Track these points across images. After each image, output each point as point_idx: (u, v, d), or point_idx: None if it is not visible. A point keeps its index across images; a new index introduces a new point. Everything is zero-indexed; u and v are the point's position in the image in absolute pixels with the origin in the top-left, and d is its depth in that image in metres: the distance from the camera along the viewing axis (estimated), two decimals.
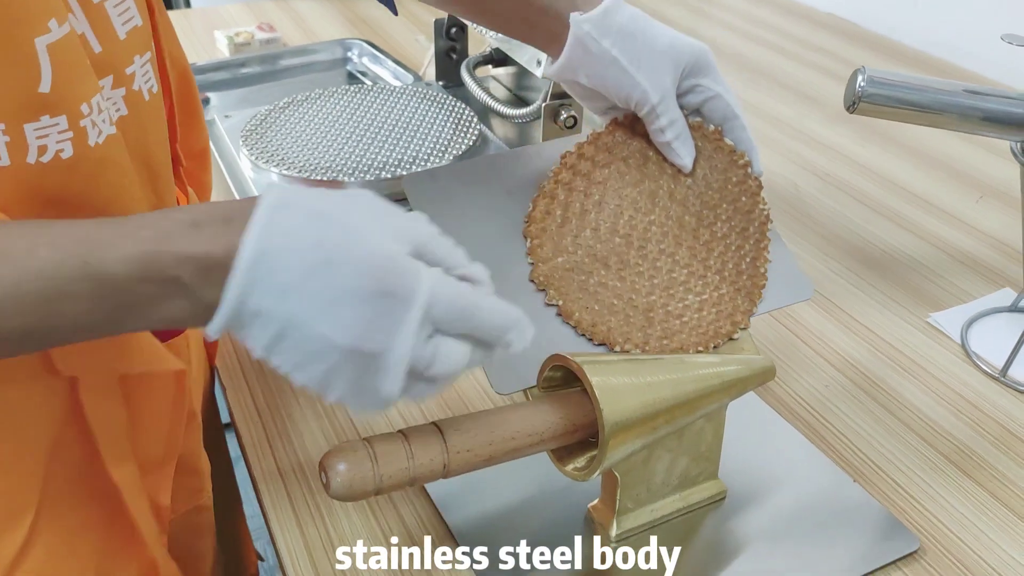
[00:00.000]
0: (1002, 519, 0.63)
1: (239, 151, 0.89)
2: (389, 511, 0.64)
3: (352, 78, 1.19)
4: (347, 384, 0.42)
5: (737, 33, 1.46)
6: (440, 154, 0.85)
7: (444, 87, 1.04)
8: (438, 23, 1.06)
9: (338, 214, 0.42)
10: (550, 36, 0.62)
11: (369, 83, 1.01)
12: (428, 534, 0.62)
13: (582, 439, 0.55)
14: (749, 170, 0.64)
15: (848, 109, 0.67)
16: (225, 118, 0.95)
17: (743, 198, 0.64)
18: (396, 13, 0.68)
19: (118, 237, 0.40)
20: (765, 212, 0.64)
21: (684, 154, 0.62)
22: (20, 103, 0.43)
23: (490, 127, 0.95)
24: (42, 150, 0.45)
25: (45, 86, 0.43)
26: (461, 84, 1.03)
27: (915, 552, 0.60)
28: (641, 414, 0.53)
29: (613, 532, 0.61)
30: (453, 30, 1.04)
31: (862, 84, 0.66)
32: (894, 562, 0.60)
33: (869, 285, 0.87)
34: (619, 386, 0.53)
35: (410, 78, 1.12)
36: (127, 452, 0.55)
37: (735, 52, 1.39)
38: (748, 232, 0.64)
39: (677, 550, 0.60)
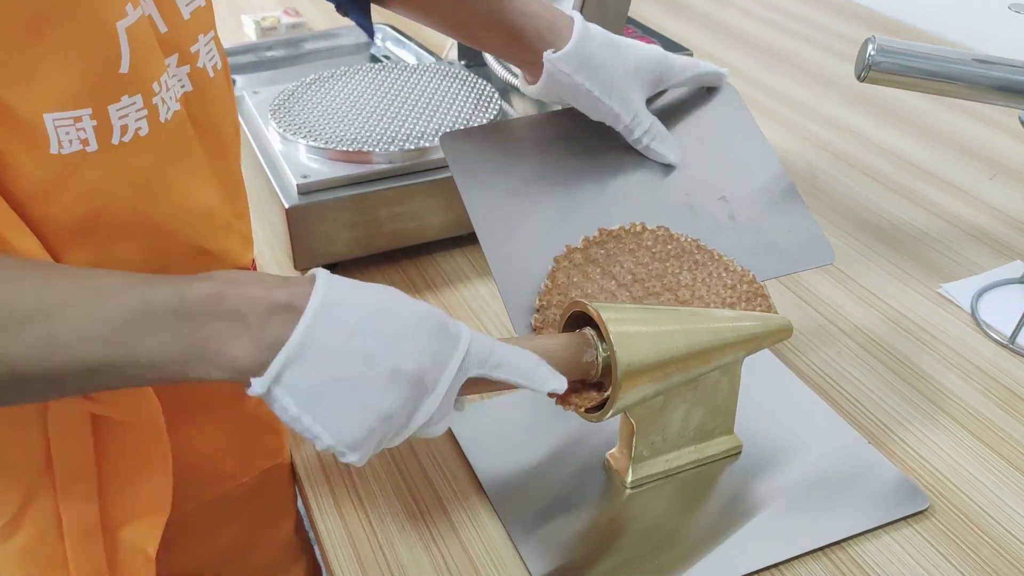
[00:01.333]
0: (1009, 478, 0.65)
1: (267, 125, 0.91)
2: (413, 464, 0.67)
3: (376, 61, 1.21)
4: (402, 415, 0.47)
5: (755, 19, 1.48)
6: (462, 126, 0.87)
7: (466, 66, 1.06)
8: None
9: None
10: (524, 61, 0.68)
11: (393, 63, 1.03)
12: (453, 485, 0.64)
13: (594, 380, 0.57)
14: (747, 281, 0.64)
15: (859, 77, 0.69)
16: (254, 94, 0.98)
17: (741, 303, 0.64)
18: (372, 37, 0.72)
19: (197, 280, 0.44)
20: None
21: (665, 152, 0.69)
22: (104, 86, 0.46)
23: (511, 104, 0.97)
24: (123, 130, 0.48)
25: (125, 67, 0.46)
26: (482, 63, 1.05)
27: (925, 510, 0.62)
28: (655, 359, 0.55)
29: (629, 479, 0.63)
30: None
31: (872, 52, 0.68)
32: (904, 519, 0.61)
33: (881, 257, 0.89)
34: (634, 332, 0.55)
35: (433, 60, 1.14)
36: (91, 493, 0.55)
37: (753, 37, 1.41)
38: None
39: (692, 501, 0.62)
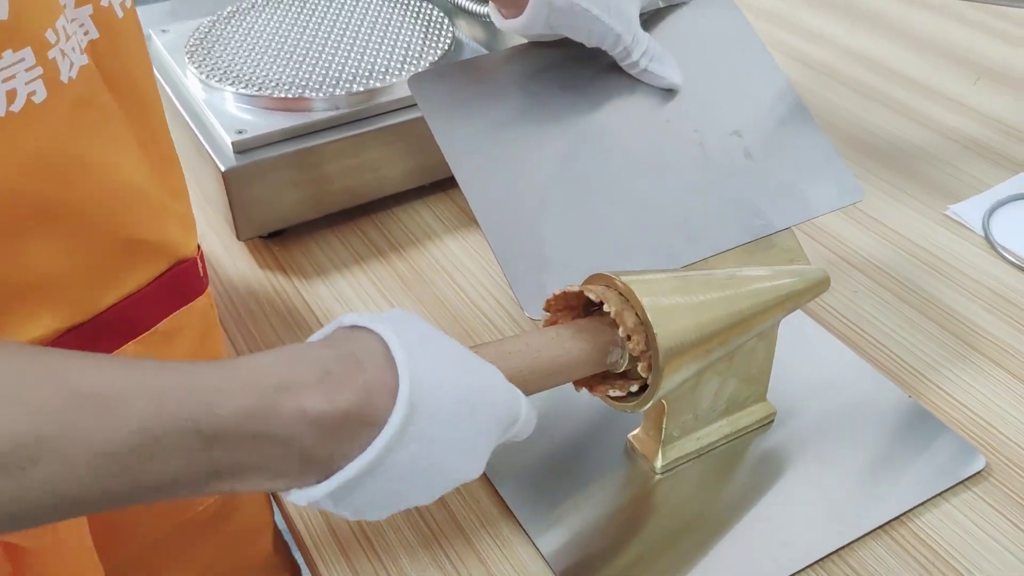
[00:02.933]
0: None
1: (184, 70, 0.78)
2: None
3: None
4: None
5: None
6: (414, 61, 0.76)
7: None
8: None
9: (464, 356, 0.40)
10: None
11: None
12: None
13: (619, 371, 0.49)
14: None
15: None
16: (162, 33, 0.84)
17: None
18: None
19: (232, 384, 0.32)
20: None
21: (666, 73, 0.60)
22: None
23: (463, 31, 0.86)
24: (11, 96, 0.36)
25: (2, 12, 0.34)
26: None
27: (982, 471, 0.56)
28: (696, 336, 0.47)
29: (659, 463, 0.56)
30: None
31: None
32: (962, 482, 0.56)
33: (880, 179, 0.82)
34: (671, 307, 0.47)
35: None
36: None
37: None
38: None
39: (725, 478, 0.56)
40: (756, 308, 0.51)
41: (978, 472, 0.56)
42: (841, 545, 0.52)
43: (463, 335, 0.66)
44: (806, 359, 0.64)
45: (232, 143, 0.69)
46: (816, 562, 0.51)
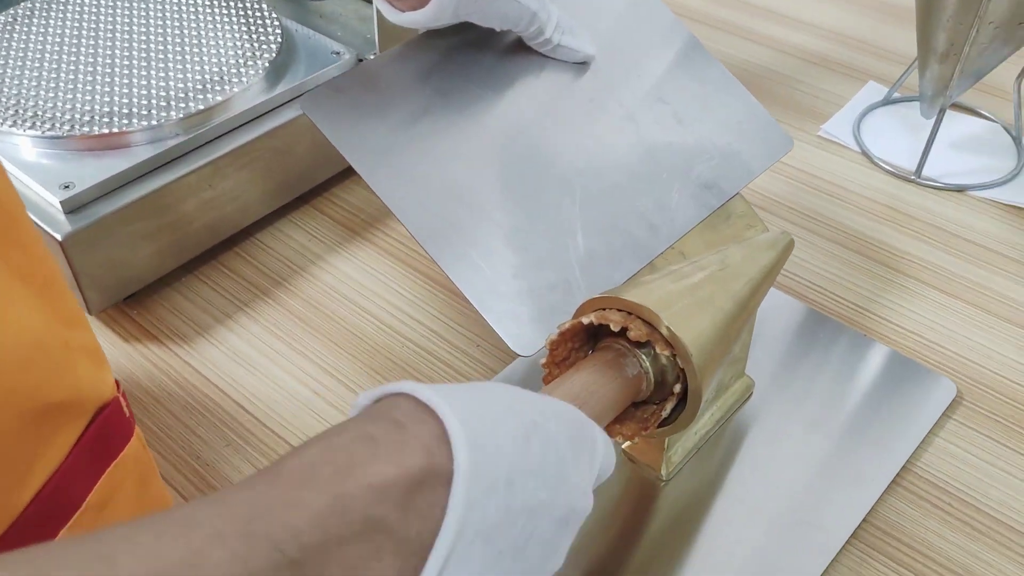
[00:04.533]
0: (997, 329, 0.61)
1: None
2: None
3: None
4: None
5: None
6: (250, 63, 0.65)
7: None
8: None
9: (507, 389, 0.33)
10: None
11: None
12: None
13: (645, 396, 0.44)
14: None
15: None
16: None
17: None
18: None
19: (291, 492, 0.26)
20: None
21: (579, 45, 0.54)
22: None
23: (293, 20, 0.75)
24: None
25: None
26: None
27: (955, 398, 0.57)
28: (717, 340, 0.43)
29: (664, 471, 0.52)
30: None
31: None
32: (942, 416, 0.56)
33: None
34: (685, 314, 0.42)
35: None
36: None
37: None
38: None
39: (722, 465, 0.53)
40: (751, 289, 0.47)
41: (952, 400, 0.56)
42: (868, 509, 0.50)
43: (407, 377, 0.58)
44: (758, 316, 0.62)
45: (61, 202, 0.56)
46: (856, 530, 0.50)
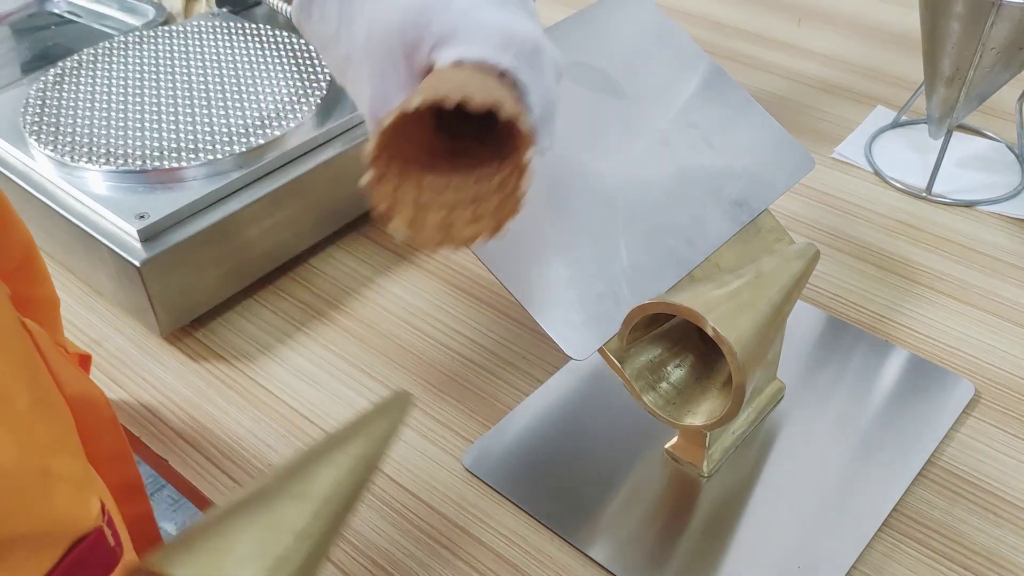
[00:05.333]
0: (1011, 334, 0.65)
1: (29, 150, 0.67)
2: None
3: (64, 21, 0.95)
4: None
5: None
6: (304, 99, 0.70)
7: (231, 13, 0.85)
8: None
9: None
10: None
11: (150, 31, 0.80)
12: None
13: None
14: None
15: None
16: None
17: None
18: None
19: None
20: None
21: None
22: None
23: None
24: None
25: None
26: (257, 3, 0.85)
27: (973, 397, 0.61)
28: (758, 339, 0.47)
29: (706, 468, 0.56)
30: None
31: None
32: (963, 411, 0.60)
33: None
34: (728, 316, 0.46)
35: (150, 12, 0.92)
36: None
37: None
38: None
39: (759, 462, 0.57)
40: (784, 296, 0.51)
41: (971, 398, 0.60)
42: (898, 499, 0.54)
43: (458, 388, 0.62)
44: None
45: (138, 231, 0.60)
46: (887, 519, 0.53)
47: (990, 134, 0.84)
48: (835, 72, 0.94)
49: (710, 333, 0.45)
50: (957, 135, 0.84)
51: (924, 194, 0.78)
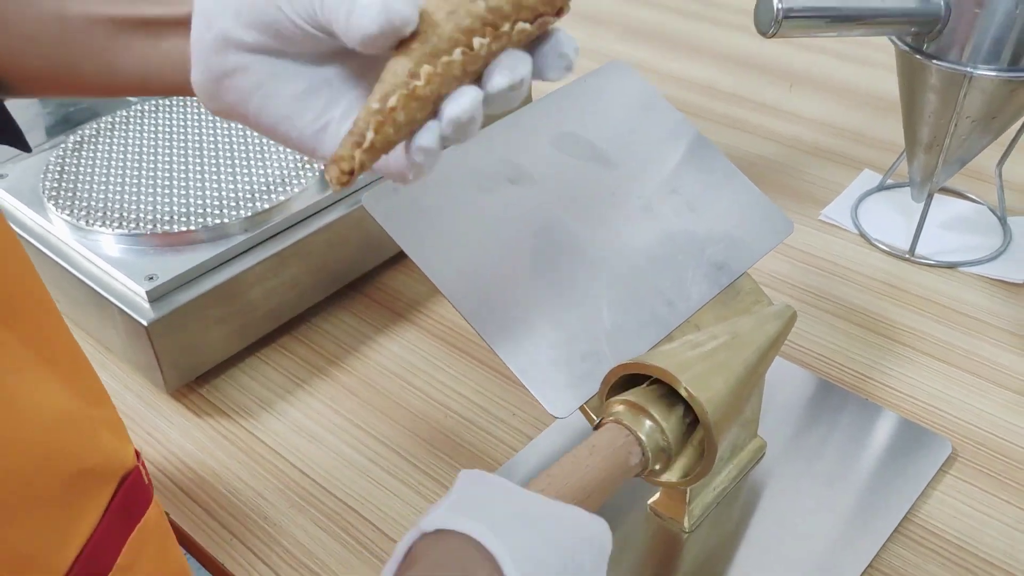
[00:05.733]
0: (987, 393, 0.67)
1: (47, 214, 0.71)
2: None
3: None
4: None
5: None
6: (301, 170, 0.73)
7: None
8: None
9: (549, 511, 0.38)
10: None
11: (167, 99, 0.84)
12: None
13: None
14: None
15: (767, 34, 0.66)
16: (0, 178, 0.76)
17: None
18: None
19: None
20: None
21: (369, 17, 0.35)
22: None
23: None
24: None
25: None
26: None
27: (950, 454, 0.62)
28: (731, 399, 0.50)
29: (687, 523, 0.57)
30: None
31: (779, 5, 0.64)
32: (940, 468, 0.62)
33: None
34: (702, 377, 0.49)
35: None
36: None
37: None
38: None
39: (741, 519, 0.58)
40: (760, 357, 0.53)
41: (948, 456, 0.62)
42: (873, 556, 0.56)
43: (451, 444, 0.64)
44: (768, 384, 0.68)
45: (146, 292, 0.64)
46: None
47: (973, 197, 0.87)
48: (825, 136, 0.97)
49: (683, 393, 0.47)
50: (941, 198, 0.87)
51: (907, 255, 0.80)
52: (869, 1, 0.68)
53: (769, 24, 0.65)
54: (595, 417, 0.53)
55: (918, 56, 0.72)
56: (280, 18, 0.37)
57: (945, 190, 0.88)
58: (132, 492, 0.43)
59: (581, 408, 0.53)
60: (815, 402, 0.66)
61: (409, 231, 0.55)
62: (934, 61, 0.71)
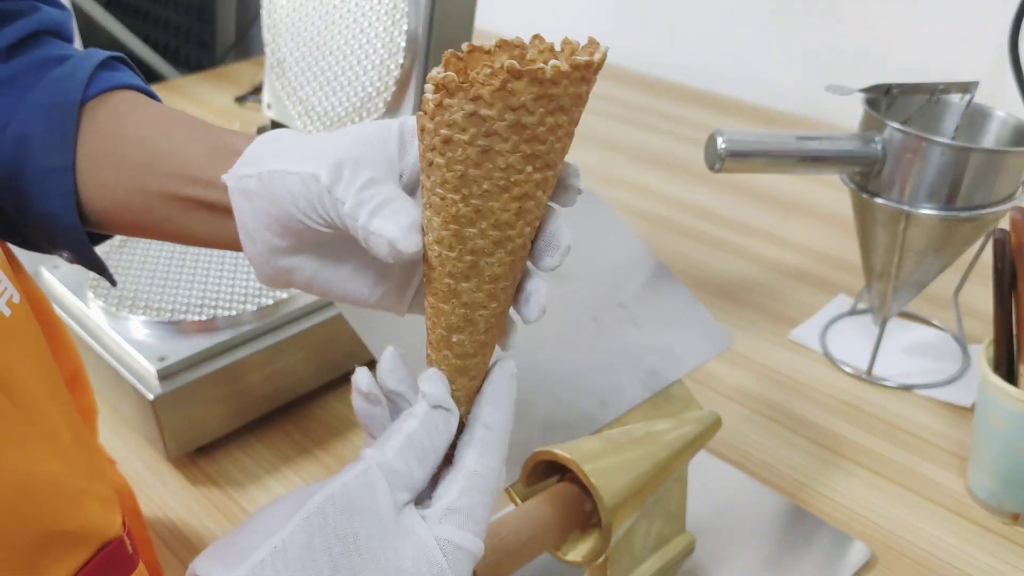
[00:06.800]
0: (917, 506, 0.71)
1: (87, 302, 0.82)
2: None
3: None
4: None
5: None
6: None
7: None
8: (261, 131, 1.03)
9: None
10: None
11: None
12: None
13: (578, 526, 0.57)
14: None
15: (713, 169, 0.74)
16: (54, 268, 0.87)
17: None
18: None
19: None
20: None
21: (385, 228, 0.38)
22: None
23: None
24: None
25: None
26: None
27: (869, 560, 0.66)
28: (632, 490, 0.56)
29: None
30: None
31: (723, 146, 0.73)
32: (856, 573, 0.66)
33: (729, 315, 0.95)
34: (608, 468, 0.55)
35: None
36: None
37: None
38: None
39: None
40: (671, 456, 0.60)
41: (867, 561, 0.66)
42: None
43: None
44: (708, 487, 0.73)
45: (157, 371, 0.73)
46: None
47: (938, 324, 0.92)
48: (807, 261, 1.04)
49: (579, 475, 0.53)
50: (908, 324, 0.92)
51: (865, 376, 0.85)
52: (809, 143, 0.76)
53: (714, 161, 0.73)
54: (517, 499, 0.59)
55: (863, 194, 0.79)
56: (307, 226, 0.41)
57: (912, 316, 0.93)
58: (112, 559, 0.46)
59: (506, 490, 0.59)
60: (749, 505, 0.71)
61: (374, 332, 0.64)
62: (876, 199, 0.78)
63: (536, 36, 0.36)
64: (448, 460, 0.40)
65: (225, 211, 0.45)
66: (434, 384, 0.40)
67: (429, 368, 0.41)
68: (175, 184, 0.48)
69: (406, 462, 0.38)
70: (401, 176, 0.41)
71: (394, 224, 0.38)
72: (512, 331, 0.43)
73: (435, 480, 0.40)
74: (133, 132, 0.49)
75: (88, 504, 0.44)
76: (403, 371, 0.42)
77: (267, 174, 0.42)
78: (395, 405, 0.42)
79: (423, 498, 0.40)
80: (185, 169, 0.47)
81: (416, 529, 0.38)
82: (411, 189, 0.42)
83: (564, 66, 0.33)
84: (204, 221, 0.48)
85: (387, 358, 0.42)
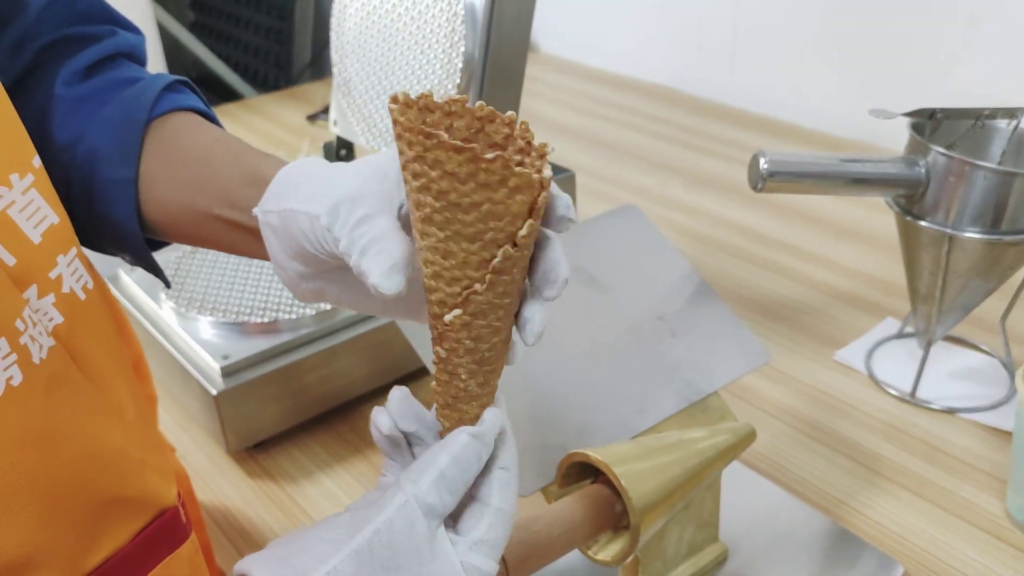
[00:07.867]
0: (951, 527, 0.72)
1: (160, 303, 0.87)
2: None
3: None
4: None
5: (570, 108, 1.57)
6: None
7: None
8: (327, 147, 1.09)
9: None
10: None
11: None
12: None
13: (609, 527, 0.59)
14: None
15: (756, 189, 0.76)
16: (132, 271, 0.93)
17: None
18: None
19: None
20: None
21: (370, 267, 0.41)
22: None
23: None
24: None
25: None
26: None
27: None
28: (661, 494, 0.58)
29: None
30: (343, 152, 1.07)
31: (765, 166, 0.75)
32: None
33: (776, 335, 0.96)
34: (639, 472, 0.57)
35: None
36: None
37: (581, 129, 1.49)
38: None
39: None
40: (703, 464, 0.61)
41: None
42: None
43: None
44: (745, 500, 0.75)
45: (220, 368, 0.78)
46: None
47: (986, 349, 0.92)
48: (858, 284, 1.04)
49: (611, 477, 0.56)
50: (956, 348, 0.92)
51: (909, 398, 0.86)
52: (851, 166, 0.77)
53: (757, 180, 0.75)
54: (553, 499, 0.62)
55: (907, 217, 0.80)
56: (318, 254, 0.45)
57: (960, 341, 0.93)
58: (167, 526, 0.49)
59: (542, 490, 0.62)
60: (786, 520, 0.72)
61: (419, 333, 0.67)
62: (920, 221, 0.78)
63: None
64: None
65: (260, 235, 0.49)
66: (491, 419, 0.44)
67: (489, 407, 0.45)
68: (219, 206, 0.52)
69: (440, 496, 0.42)
70: (401, 207, 0.44)
71: (376, 266, 0.40)
72: (513, 349, 0.45)
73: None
74: (186, 153, 0.54)
75: (148, 474, 0.48)
76: (414, 411, 0.46)
77: (284, 212, 0.45)
78: (409, 438, 0.46)
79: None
80: (226, 194, 0.52)
81: (447, 553, 0.42)
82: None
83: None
84: (246, 240, 0.52)
85: (397, 401, 0.46)
